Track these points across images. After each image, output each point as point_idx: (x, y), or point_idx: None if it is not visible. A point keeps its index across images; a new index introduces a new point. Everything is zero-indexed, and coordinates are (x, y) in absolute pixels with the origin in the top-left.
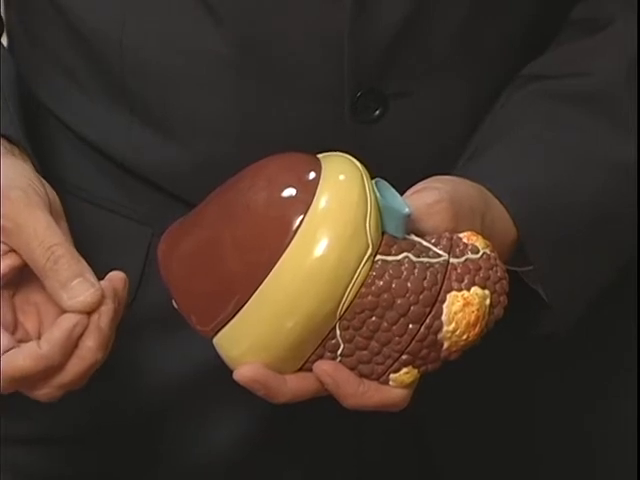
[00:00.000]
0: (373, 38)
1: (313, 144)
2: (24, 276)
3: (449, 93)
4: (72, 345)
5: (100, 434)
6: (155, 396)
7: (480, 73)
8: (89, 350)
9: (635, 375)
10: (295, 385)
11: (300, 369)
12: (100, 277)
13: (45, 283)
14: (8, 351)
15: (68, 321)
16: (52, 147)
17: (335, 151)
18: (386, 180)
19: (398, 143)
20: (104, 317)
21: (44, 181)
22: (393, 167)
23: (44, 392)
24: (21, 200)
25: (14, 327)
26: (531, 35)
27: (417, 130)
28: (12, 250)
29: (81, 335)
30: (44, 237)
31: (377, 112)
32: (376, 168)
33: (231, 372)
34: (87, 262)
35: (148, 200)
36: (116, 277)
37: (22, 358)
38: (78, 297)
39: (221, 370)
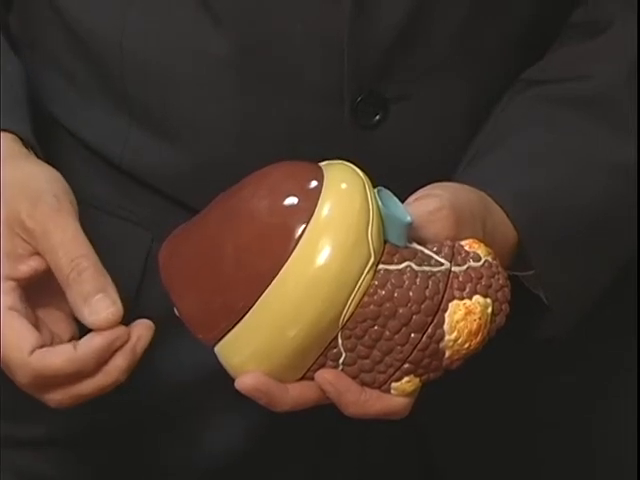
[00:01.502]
0: (373, 40)
1: (313, 145)
2: (46, 288)
3: (449, 94)
4: (107, 356)
5: (99, 436)
6: (154, 399)
7: (480, 73)
8: (117, 368)
9: (635, 375)
10: (297, 393)
11: (302, 378)
12: None
13: (67, 294)
14: (38, 348)
15: (111, 332)
16: (51, 149)
17: (336, 155)
18: (387, 184)
19: (397, 147)
20: (142, 342)
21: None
22: (392, 170)
23: (57, 398)
24: (53, 206)
25: (37, 328)
26: (531, 35)
27: (417, 134)
28: (38, 253)
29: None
30: (71, 247)
31: (377, 117)
32: (377, 172)
33: (230, 375)
34: None
35: (147, 203)
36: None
37: (57, 357)
38: (99, 314)
39: (221, 374)
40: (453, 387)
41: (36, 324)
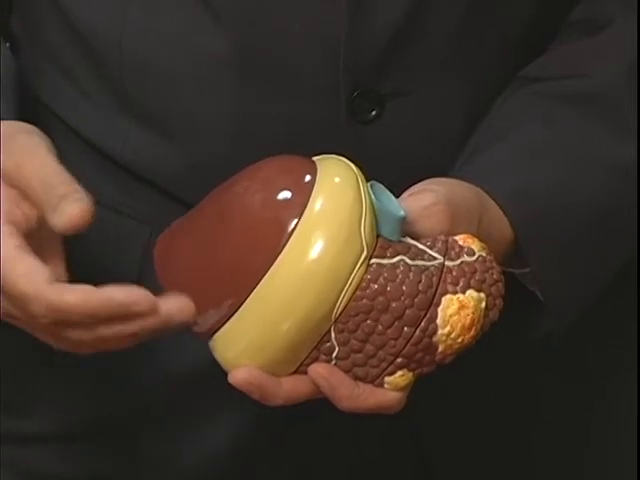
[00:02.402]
0: (370, 39)
1: (311, 144)
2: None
3: (447, 93)
4: (122, 315)
5: (98, 433)
6: (152, 395)
7: (478, 73)
8: (138, 328)
9: (635, 375)
10: (290, 387)
11: (295, 372)
12: (97, 274)
13: (45, 214)
14: (55, 282)
15: (136, 293)
16: None
17: (333, 152)
18: (383, 181)
19: (395, 143)
20: (173, 320)
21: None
22: (390, 167)
23: (73, 338)
24: (22, 142)
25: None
26: (530, 35)
27: (414, 130)
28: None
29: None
30: (40, 171)
31: (373, 112)
32: (373, 168)
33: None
34: (85, 260)
35: (146, 199)
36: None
37: (74, 293)
38: (65, 215)
39: (218, 370)
40: (450, 385)
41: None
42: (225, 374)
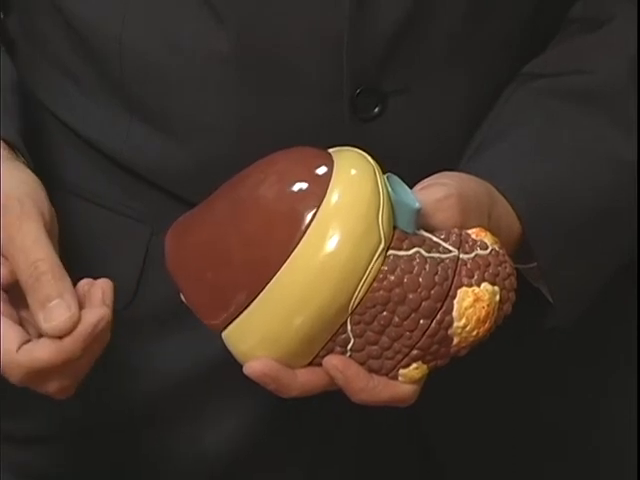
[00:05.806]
0: (373, 37)
1: (313, 142)
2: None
3: (448, 90)
4: (93, 340)
5: (99, 433)
6: (153, 395)
7: (480, 70)
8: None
9: (635, 375)
10: (305, 379)
11: (310, 363)
12: (98, 275)
13: (27, 299)
14: (24, 344)
15: (92, 316)
16: (51, 145)
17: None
18: None
19: (398, 140)
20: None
21: (44, 193)
22: (392, 164)
23: (56, 387)
24: (15, 211)
25: (23, 326)
26: (530, 33)
27: (416, 127)
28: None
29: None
30: (30, 251)
31: (376, 109)
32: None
33: (229, 370)
34: (86, 261)
35: (147, 198)
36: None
37: (44, 349)
38: (53, 320)
39: (219, 369)
40: (453, 380)
41: (20, 323)
42: (227, 371)
